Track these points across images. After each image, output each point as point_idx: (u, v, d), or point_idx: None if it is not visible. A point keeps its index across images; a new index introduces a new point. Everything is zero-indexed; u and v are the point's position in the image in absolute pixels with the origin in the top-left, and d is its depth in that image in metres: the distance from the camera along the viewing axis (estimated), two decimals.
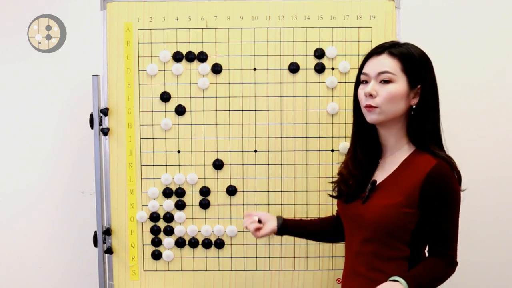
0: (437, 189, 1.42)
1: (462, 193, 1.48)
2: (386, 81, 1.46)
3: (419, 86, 1.47)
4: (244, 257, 1.97)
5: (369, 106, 1.47)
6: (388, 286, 1.35)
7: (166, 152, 1.94)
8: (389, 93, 1.45)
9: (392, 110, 1.46)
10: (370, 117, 1.49)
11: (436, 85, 1.50)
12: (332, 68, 1.92)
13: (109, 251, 1.96)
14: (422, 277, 1.42)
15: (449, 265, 1.46)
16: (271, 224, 1.72)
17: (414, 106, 1.47)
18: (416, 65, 1.46)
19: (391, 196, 1.46)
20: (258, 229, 1.71)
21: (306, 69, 1.91)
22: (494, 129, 2.29)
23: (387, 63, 1.46)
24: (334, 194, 1.67)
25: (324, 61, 1.91)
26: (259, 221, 1.73)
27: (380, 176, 1.53)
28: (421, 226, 1.46)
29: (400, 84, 1.45)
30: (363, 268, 1.52)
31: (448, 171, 1.43)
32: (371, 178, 1.55)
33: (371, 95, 1.47)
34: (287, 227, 1.74)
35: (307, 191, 1.92)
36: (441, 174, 1.42)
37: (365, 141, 1.57)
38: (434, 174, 1.42)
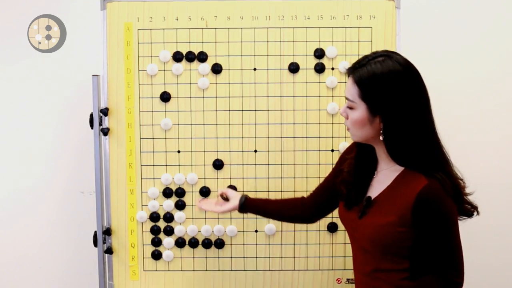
0: (429, 212, 1.38)
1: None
2: (350, 107, 1.44)
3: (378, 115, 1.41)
4: (244, 257, 1.97)
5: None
6: None
7: (166, 152, 1.94)
8: (352, 119, 1.44)
9: (360, 134, 1.45)
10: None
11: (410, 106, 1.37)
12: (332, 68, 1.92)
13: (109, 251, 1.96)
14: None
15: (445, 285, 1.41)
16: (234, 201, 1.77)
17: (381, 131, 1.42)
18: (375, 92, 1.39)
19: (386, 215, 1.44)
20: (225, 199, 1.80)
21: (306, 69, 1.91)
22: (494, 130, 2.28)
23: (350, 88, 1.43)
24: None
25: (324, 61, 1.91)
26: (227, 199, 1.79)
27: (376, 188, 1.51)
28: (419, 242, 1.43)
29: (359, 112, 1.42)
30: (366, 275, 1.53)
31: (438, 191, 1.38)
32: (367, 187, 1.53)
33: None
34: (248, 207, 1.77)
35: (306, 191, 1.92)
36: (431, 195, 1.38)
37: (363, 152, 1.55)
38: (424, 196, 1.38)
